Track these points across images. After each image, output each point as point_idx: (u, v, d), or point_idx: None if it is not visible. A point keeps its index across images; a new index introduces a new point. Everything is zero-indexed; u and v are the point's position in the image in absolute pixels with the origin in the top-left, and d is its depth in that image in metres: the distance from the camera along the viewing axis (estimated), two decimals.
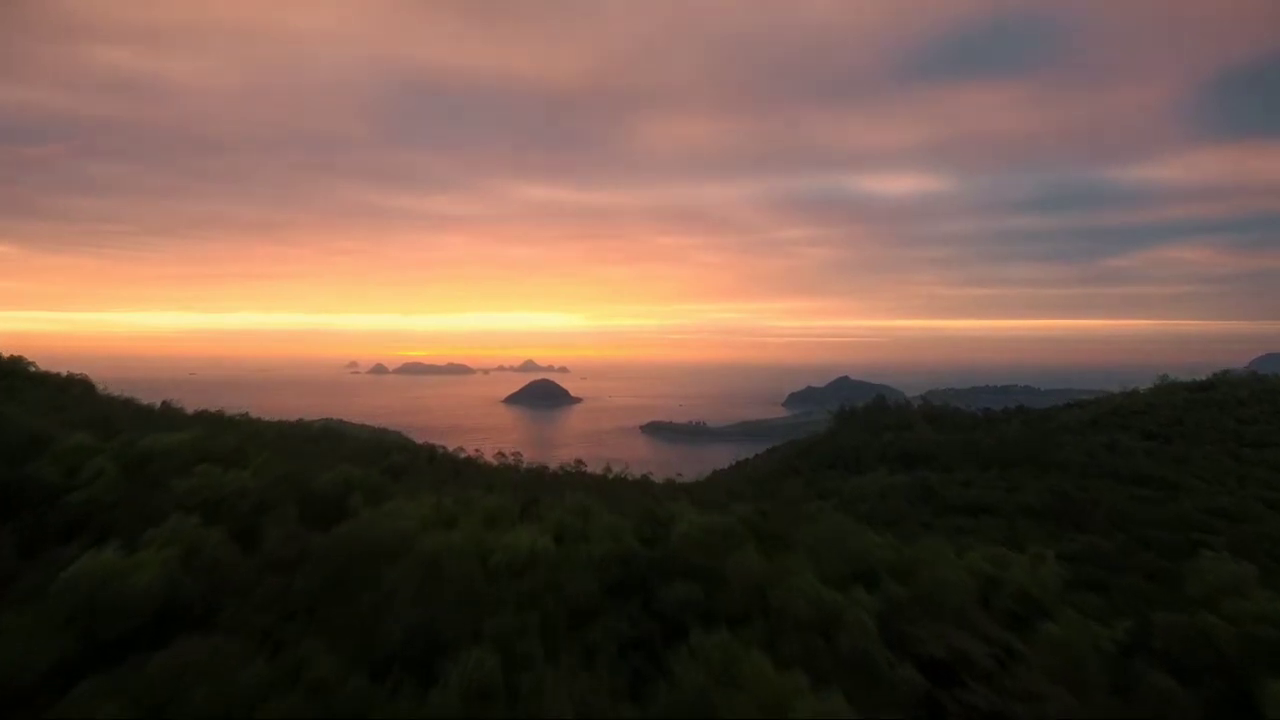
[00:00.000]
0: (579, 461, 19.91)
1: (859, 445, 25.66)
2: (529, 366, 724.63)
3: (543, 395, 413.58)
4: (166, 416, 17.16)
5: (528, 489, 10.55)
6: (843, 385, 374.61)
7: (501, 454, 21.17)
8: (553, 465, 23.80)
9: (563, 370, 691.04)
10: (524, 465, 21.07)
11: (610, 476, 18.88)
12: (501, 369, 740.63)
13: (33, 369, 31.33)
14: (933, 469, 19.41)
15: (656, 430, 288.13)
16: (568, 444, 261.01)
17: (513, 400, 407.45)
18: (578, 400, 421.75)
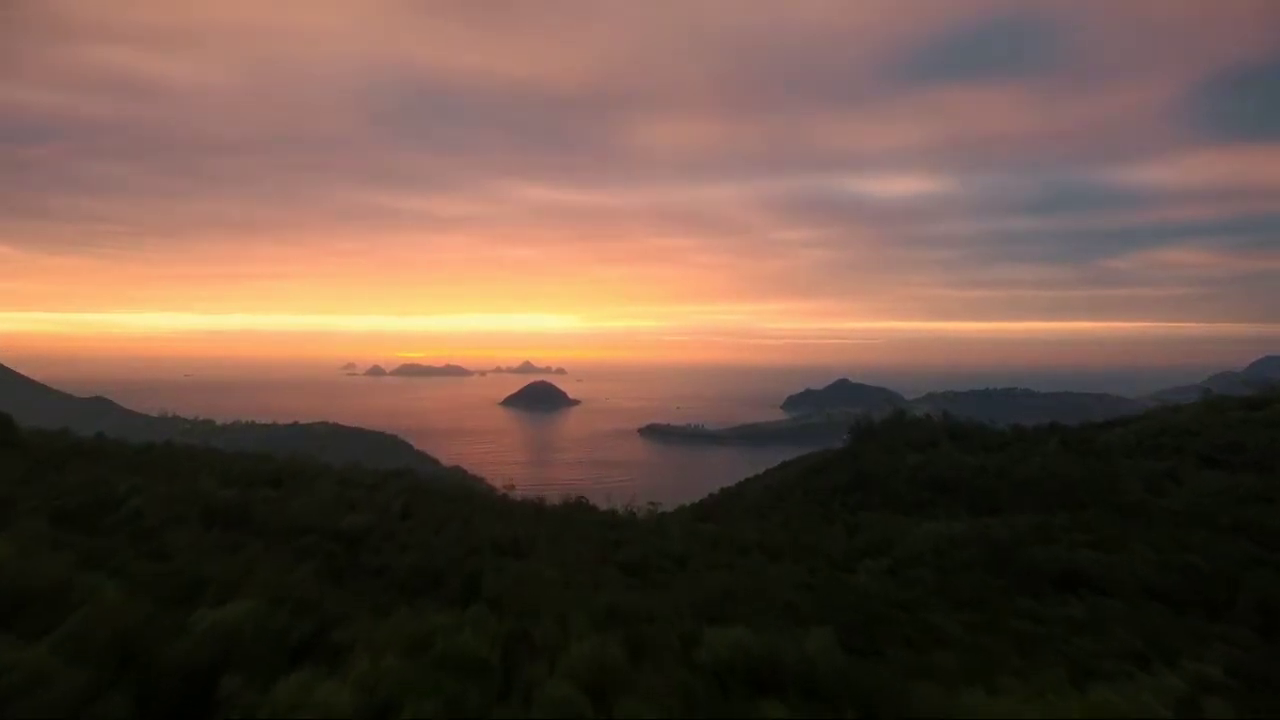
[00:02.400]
0: (580, 498, 17.51)
1: (883, 469, 23.09)
2: (526, 368, 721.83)
3: (540, 397, 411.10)
4: (94, 456, 14.56)
5: (515, 575, 8.18)
6: (842, 388, 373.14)
7: (491, 489, 18.98)
8: (552, 491, 21.45)
9: (560, 372, 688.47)
10: (518, 496, 18.78)
11: (619, 514, 16.47)
12: (499, 370, 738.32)
13: None
14: (989, 511, 16.87)
15: (655, 433, 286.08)
16: (566, 448, 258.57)
17: (510, 402, 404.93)
18: (575, 402, 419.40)
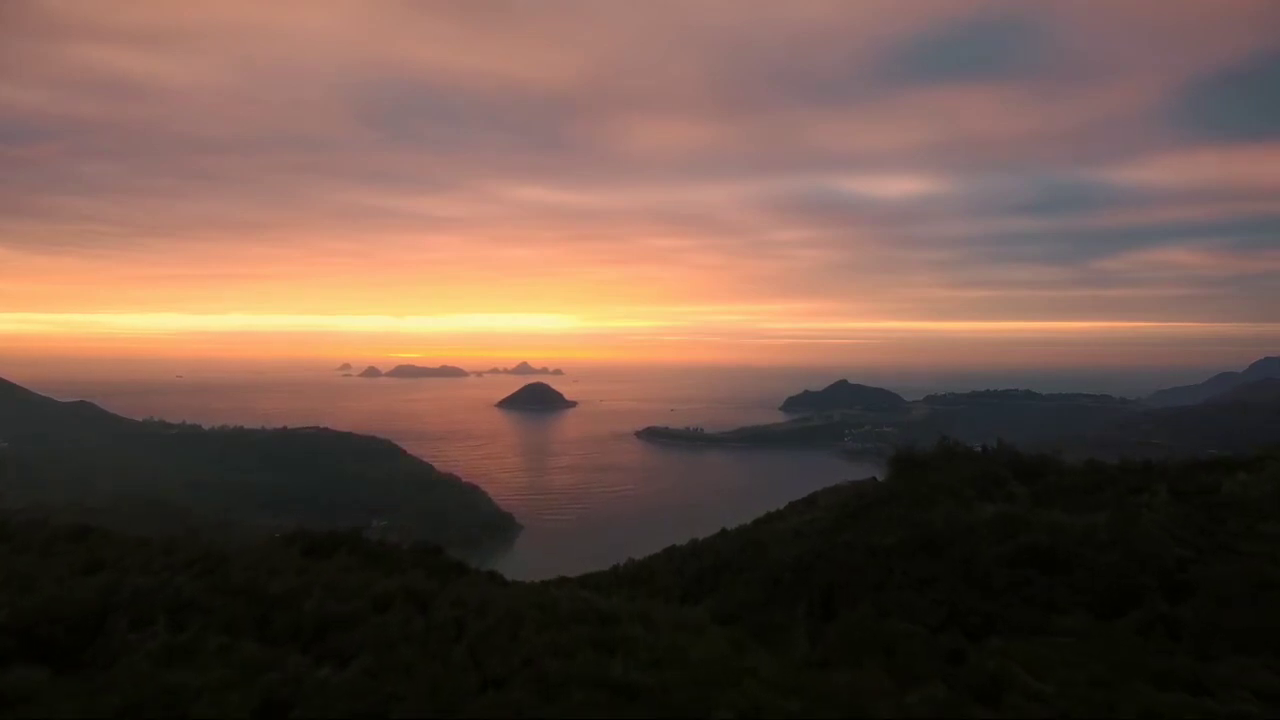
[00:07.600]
0: (580, 600, 13.86)
1: (952, 526, 18.86)
2: (523, 369, 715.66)
3: (537, 399, 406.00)
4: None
5: None
6: (841, 389, 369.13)
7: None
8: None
9: (557, 373, 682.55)
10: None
11: (627, 653, 12.67)
12: (495, 371, 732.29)
13: None
14: (1124, 602, 13.07)
15: (654, 436, 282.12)
16: (564, 451, 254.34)
17: (507, 404, 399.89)
18: (573, 404, 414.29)
